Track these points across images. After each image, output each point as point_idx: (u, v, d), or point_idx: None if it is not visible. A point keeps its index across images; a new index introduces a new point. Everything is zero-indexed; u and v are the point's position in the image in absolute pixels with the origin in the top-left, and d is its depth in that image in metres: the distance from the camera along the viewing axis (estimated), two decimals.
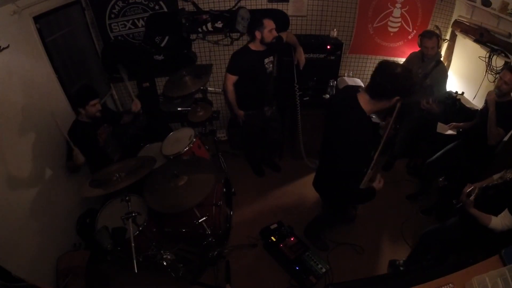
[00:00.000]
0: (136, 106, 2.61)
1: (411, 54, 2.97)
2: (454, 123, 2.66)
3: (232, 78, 2.69)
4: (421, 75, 2.68)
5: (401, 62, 3.15)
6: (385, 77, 1.50)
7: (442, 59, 3.34)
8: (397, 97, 1.52)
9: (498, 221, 1.68)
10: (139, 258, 1.88)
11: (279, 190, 3.22)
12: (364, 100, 1.61)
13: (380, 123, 1.88)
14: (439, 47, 2.66)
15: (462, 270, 1.47)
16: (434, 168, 2.67)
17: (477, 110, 2.67)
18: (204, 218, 2.13)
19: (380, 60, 1.58)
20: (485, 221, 1.72)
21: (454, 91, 3.03)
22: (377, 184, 1.82)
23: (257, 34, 2.51)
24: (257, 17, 2.60)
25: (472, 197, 1.83)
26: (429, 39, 2.59)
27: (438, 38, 2.62)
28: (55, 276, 2.08)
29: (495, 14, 2.45)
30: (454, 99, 2.84)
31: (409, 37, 3.31)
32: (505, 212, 1.67)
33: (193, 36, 3.18)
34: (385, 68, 1.51)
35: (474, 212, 1.78)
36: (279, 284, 2.34)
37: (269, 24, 2.48)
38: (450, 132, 2.65)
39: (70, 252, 2.22)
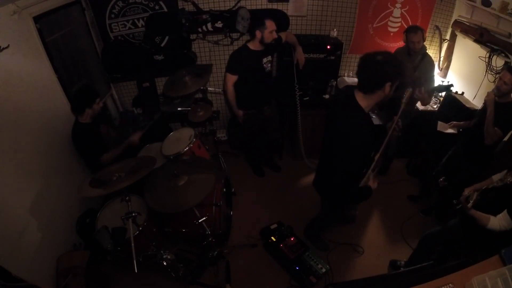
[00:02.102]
0: (134, 139, 2.47)
1: (397, 50, 2.97)
2: (454, 122, 2.66)
3: (232, 78, 2.69)
4: (410, 69, 2.70)
5: None
6: (368, 69, 1.51)
7: (441, 59, 3.37)
8: (389, 83, 1.51)
9: (496, 222, 1.68)
10: (139, 258, 1.87)
11: (279, 190, 3.22)
12: (360, 97, 1.62)
13: (387, 124, 1.87)
14: (424, 40, 2.68)
15: (462, 270, 1.46)
16: (441, 176, 2.66)
17: (477, 109, 2.67)
18: (204, 218, 2.12)
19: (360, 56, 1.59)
20: (484, 222, 1.72)
21: (454, 91, 3.03)
22: (372, 183, 1.82)
23: (258, 34, 2.52)
24: (259, 16, 2.61)
25: (470, 204, 1.82)
26: (415, 34, 2.60)
27: (422, 32, 2.63)
28: (55, 276, 2.08)
29: (495, 14, 2.45)
30: (447, 87, 2.85)
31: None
32: (504, 213, 1.67)
33: (193, 36, 3.18)
34: (365, 61, 1.52)
35: (474, 213, 1.78)
36: (279, 284, 2.34)
37: (270, 25, 2.49)
38: (450, 130, 2.66)
39: (70, 252, 2.22)
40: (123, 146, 2.41)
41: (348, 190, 1.78)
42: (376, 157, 1.71)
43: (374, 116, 3.02)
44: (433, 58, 2.87)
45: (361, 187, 1.78)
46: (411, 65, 2.69)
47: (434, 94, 3.10)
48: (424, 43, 2.73)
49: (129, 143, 2.44)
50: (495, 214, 1.72)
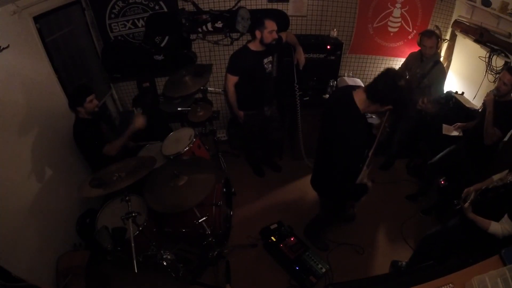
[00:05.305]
0: (139, 121, 2.35)
1: (410, 54, 2.97)
2: (459, 124, 2.65)
3: (233, 79, 2.69)
4: (419, 75, 2.69)
5: (401, 62, 3.15)
6: (388, 85, 1.53)
7: (442, 59, 3.37)
8: (390, 107, 1.58)
9: (498, 227, 1.68)
10: (139, 258, 1.88)
11: (279, 190, 3.22)
12: (359, 98, 1.64)
13: (374, 123, 1.91)
14: (438, 47, 2.67)
15: (462, 270, 1.47)
16: (436, 169, 2.67)
17: (477, 110, 2.67)
18: (204, 218, 2.12)
19: (388, 67, 1.62)
20: (484, 226, 1.72)
21: (454, 91, 3.03)
22: (368, 181, 1.85)
23: (257, 34, 2.51)
24: (259, 16, 2.61)
25: (467, 204, 1.82)
26: (429, 38, 2.60)
27: (437, 39, 2.63)
28: (55, 276, 2.08)
29: (495, 14, 2.45)
30: (448, 98, 2.85)
31: (409, 37, 3.31)
32: (505, 218, 1.67)
33: (193, 36, 3.18)
34: (390, 77, 1.54)
35: (473, 217, 1.78)
36: (279, 284, 2.34)
37: (270, 25, 2.48)
38: (455, 133, 2.65)
39: (70, 252, 2.22)
40: (128, 133, 2.32)
41: (347, 186, 1.80)
42: (370, 154, 1.73)
43: (374, 116, 3.02)
44: None
45: (358, 184, 1.81)
46: (421, 72, 2.68)
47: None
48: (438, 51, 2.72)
49: (134, 129, 2.34)
50: (495, 215, 1.72)
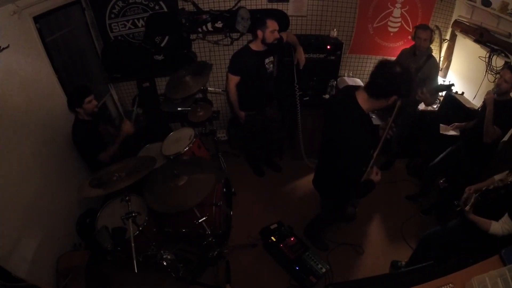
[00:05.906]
0: (126, 128, 2.40)
1: (402, 51, 2.97)
2: (456, 123, 2.66)
3: (234, 79, 2.69)
4: (413, 70, 2.69)
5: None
6: (384, 77, 1.51)
7: (441, 59, 3.37)
8: (395, 96, 1.54)
9: (498, 226, 1.68)
10: (139, 258, 1.88)
11: (279, 190, 3.22)
12: (362, 99, 1.63)
13: (380, 124, 1.90)
14: (431, 41, 2.68)
15: (462, 270, 1.46)
16: (436, 171, 2.67)
17: (477, 109, 2.68)
18: (204, 218, 2.12)
19: (380, 60, 1.59)
20: (485, 227, 1.71)
21: (454, 91, 3.03)
22: (375, 176, 1.82)
23: (259, 33, 2.51)
24: (261, 16, 2.60)
25: (467, 207, 1.82)
26: (424, 31, 2.61)
27: (432, 33, 2.64)
28: (55, 276, 2.08)
29: (495, 14, 2.45)
30: (448, 86, 2.84)
31: (409, 37, 3.30)
32: (505, 217, 1.67)
33: (193, 36, 3.18)
34: (384, 68, 1.52)
35: (474, 218, 1.78)
36: (279, 284, 2.34)
37: (272, 25, 2.48)
38: (452, 132, 2.66)
39: (70, 252, 2.22)
40: (119, 140, 2.36)
41: (350, 187, 1.79)
42: (375, 154, 1.73)
43: (374, 116, 3.03)
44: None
45: (364, 181, 1.79)
46: (415, 66, 2.69)
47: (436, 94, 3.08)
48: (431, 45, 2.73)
49: (124, 135, 2.38)
50: (496, 215, 1.72)
